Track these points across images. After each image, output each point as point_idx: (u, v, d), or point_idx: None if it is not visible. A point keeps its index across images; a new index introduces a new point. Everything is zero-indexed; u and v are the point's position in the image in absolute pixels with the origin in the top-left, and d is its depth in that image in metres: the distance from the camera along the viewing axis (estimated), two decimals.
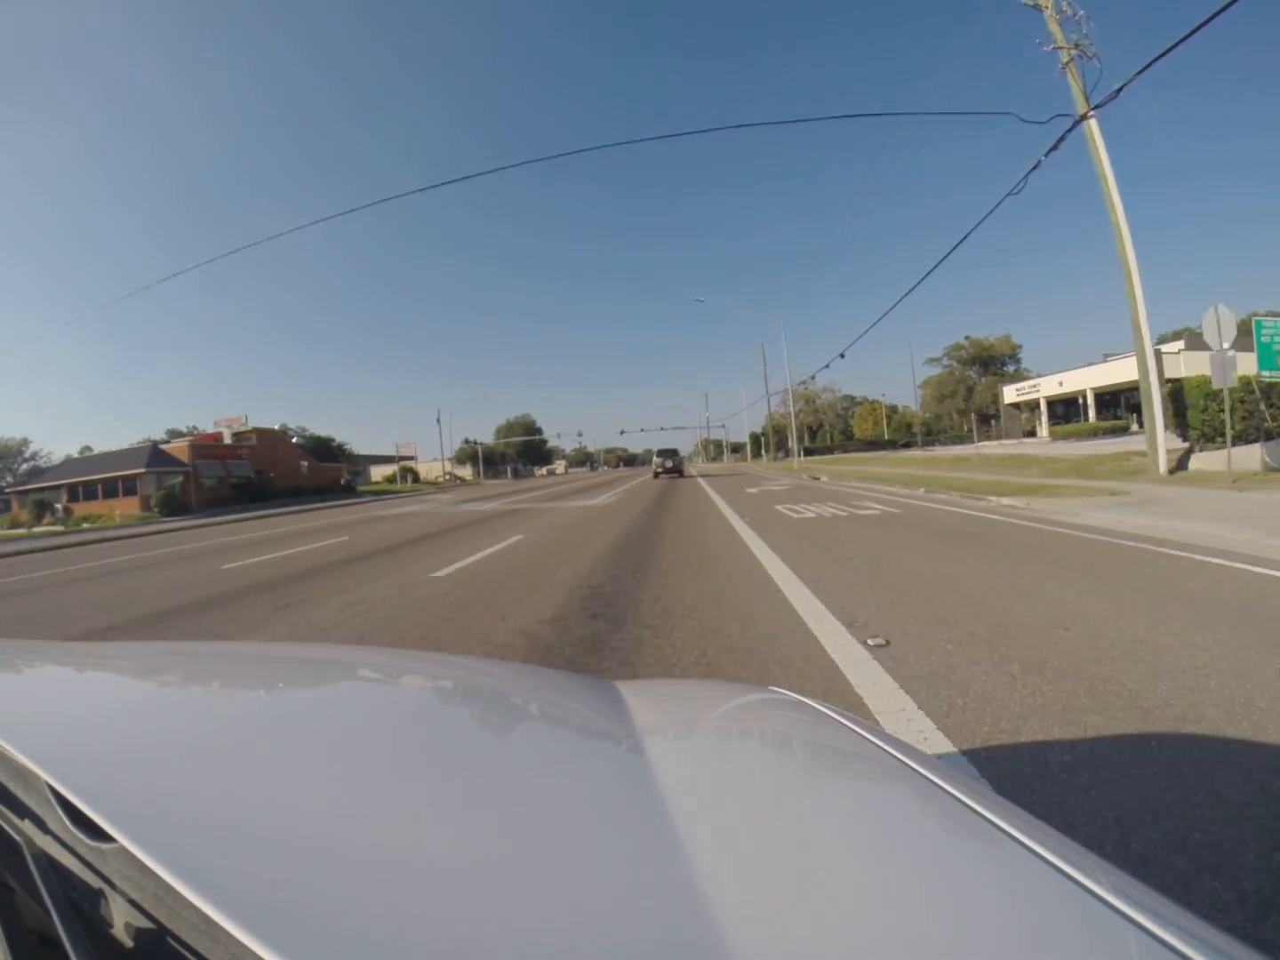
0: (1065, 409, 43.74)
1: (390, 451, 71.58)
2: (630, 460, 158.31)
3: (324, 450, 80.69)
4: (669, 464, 31.06)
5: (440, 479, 69.13)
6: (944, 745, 2.01)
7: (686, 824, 0.42)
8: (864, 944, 0.32)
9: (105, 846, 0.40)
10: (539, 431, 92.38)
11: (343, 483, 53.41)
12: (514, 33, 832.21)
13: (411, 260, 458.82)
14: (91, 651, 1.13)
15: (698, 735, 0.73)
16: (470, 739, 0.66)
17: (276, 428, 48.20)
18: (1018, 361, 68.48)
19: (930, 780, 0.52)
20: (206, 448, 41.96)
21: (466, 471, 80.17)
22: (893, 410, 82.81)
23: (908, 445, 62.69)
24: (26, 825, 0.46)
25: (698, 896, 0.34)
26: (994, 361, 66.74)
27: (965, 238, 17.21)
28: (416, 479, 63.96)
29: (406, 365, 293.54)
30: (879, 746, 0.61)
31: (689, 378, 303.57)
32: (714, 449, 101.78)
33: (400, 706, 0.77)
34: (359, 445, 70.85)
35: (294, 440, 53.03)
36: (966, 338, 66.31)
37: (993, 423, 65.64)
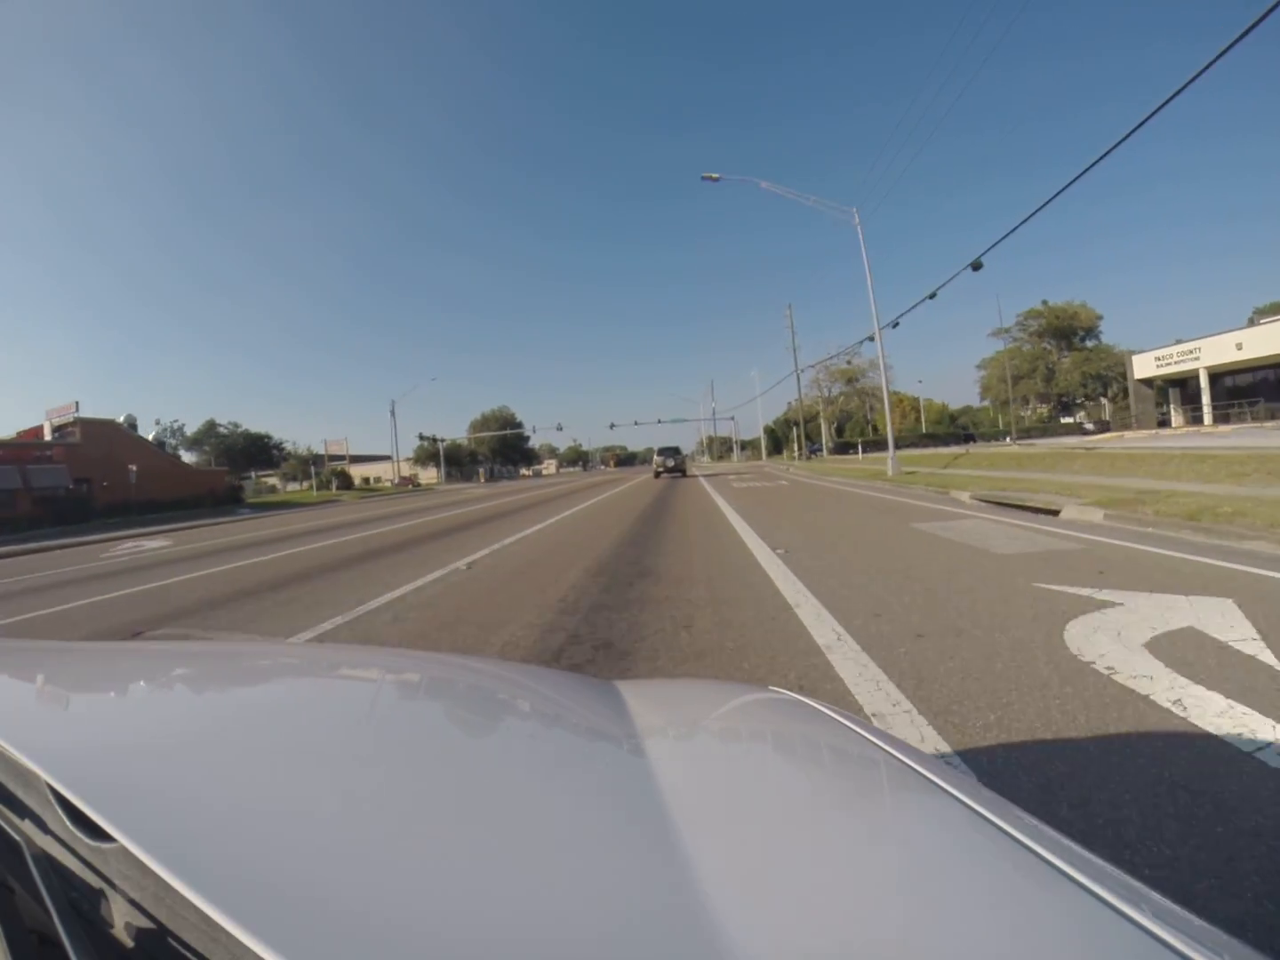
0: (1221, 388, 30.48)
1: (366, 451, 59.22)
2: (629, 459, 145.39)
3: (257, 449, 68.04)
4: (670, 463, 29.39)
5: (383, 483, 56.12)
6: None
7: (687, 825, 0.42)
8: (864, 943, 0.32)
9: (105, 846, 0.39)
10: (519, 425, 78.83)
11: (235, 489, 40.45)
12: (507, 28, 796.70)
13: (397, 255, 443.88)
14: (91, 651, 1.09)
15: (698, 736, 0.73)
16: (471, 739, 0.65)
17: (120, 419, 34.83)
18: (1097, 336, 55.16)
19: (930, 780, 0.52)
20: None
21: (432, 474, 67.35)
22: (914, 403, 70.95)
23: (970, 439, 49.39)
24: (26, 825, 0.46)
25: (699, 897, 0.34)
26: (1073, 334, 53.45)
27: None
28: (349, 484, 50.90)
29: (391, 362, 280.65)
30: (878, 746, 0.60)
31: (690, 369, 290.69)
32: (721, 446, 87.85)
33: (401, 706, 0.78)
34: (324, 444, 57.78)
35: (150, 437, 39.49)
36: (1044, 303, 52.88)
37: (1079, 408, 52.68)
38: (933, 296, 18.32)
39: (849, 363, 48.87)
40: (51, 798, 0.44)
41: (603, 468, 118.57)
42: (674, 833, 0.41)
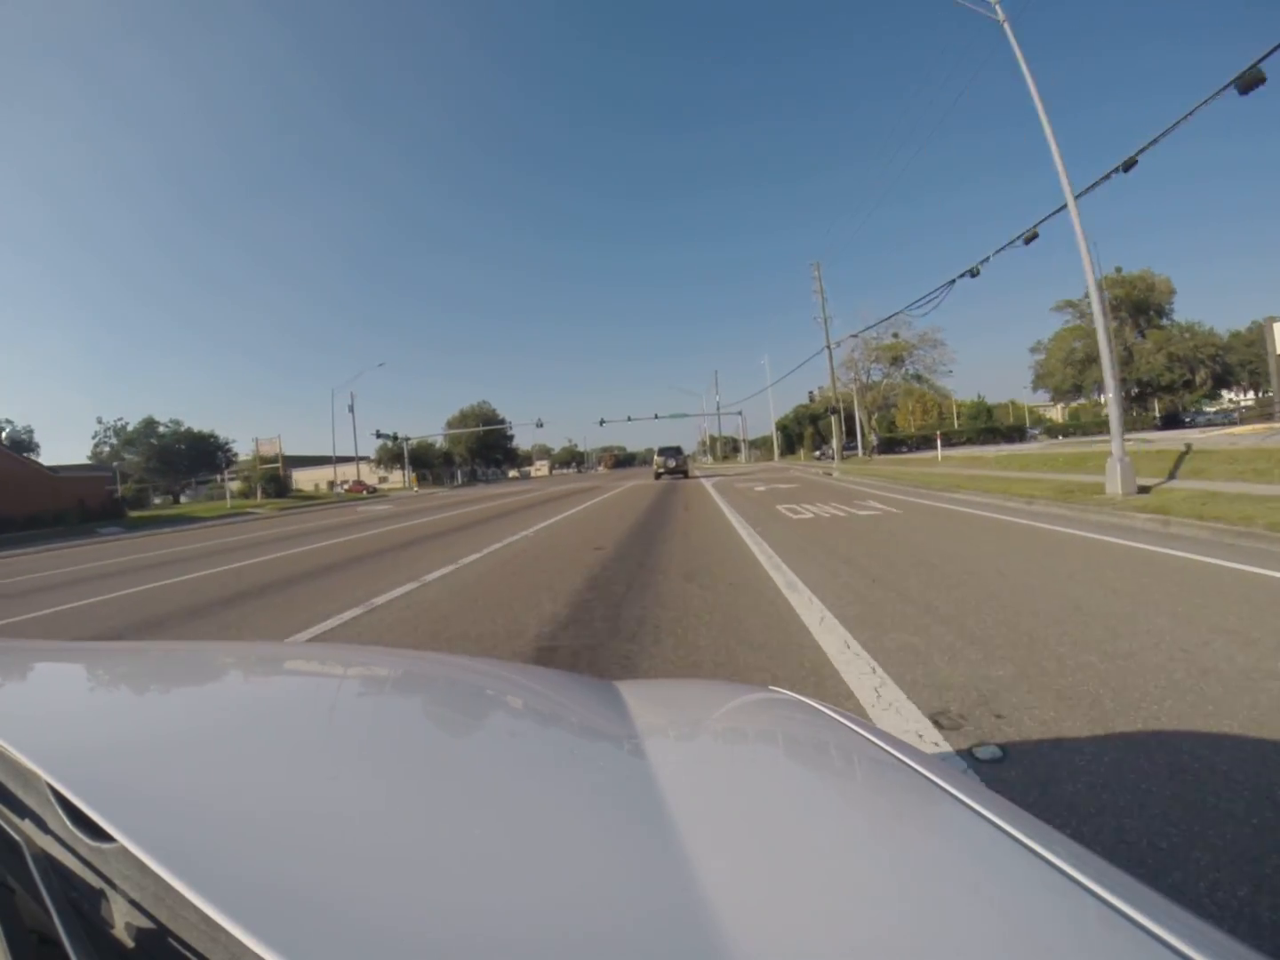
0: None
1: (333, 451, 50.85)
2: (627, 460, 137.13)
3: (199, 451, 59.76)
4: (672, 463, 27.16)
5: (325, 490, 47.96)
6: None
7: (687, 825, 0.42)
8: (864, 943, 0.32)
9: (105, 846, 0.39)
10: (501, 422, 70.11)
11: (118, 501, 32.34)
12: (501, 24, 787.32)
13: (394, 255, 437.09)
14: (91, 651, 1.09)
15: (698, 736, 0.73)
16: (471, 739, 0.65)
17: None
18: (1169, 315, 46.86)
19: (930, 780, 0.52)
20: None
21: (399, 478, 59.18)
22: (931, 398, 63.36)
23: (1021, 435, 41.13)
24: (26, 825, 0.46)
25: (699, 897, 0.34)
26: (1148, 310, 45.12)
27: None
28: (282, 490, 42.70)
29: (388, 361, 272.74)
30: (879, 746, 0.60)
31: (692, 368, 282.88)
32: (725, 445, 78.97)
33: (400, 706, 0.77)
34: (299, 444, 49.36)
35: (2, 435, 31.22)
36: (1118, 270, 44.48)
37: (1153, 398, 44.26)
38: (1128, 168, 10.11)
39: (895, 336, 39.73)
40: (51, 798, 0.44)
41: (599, 468, 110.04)
42: (674, 833, 0.40)
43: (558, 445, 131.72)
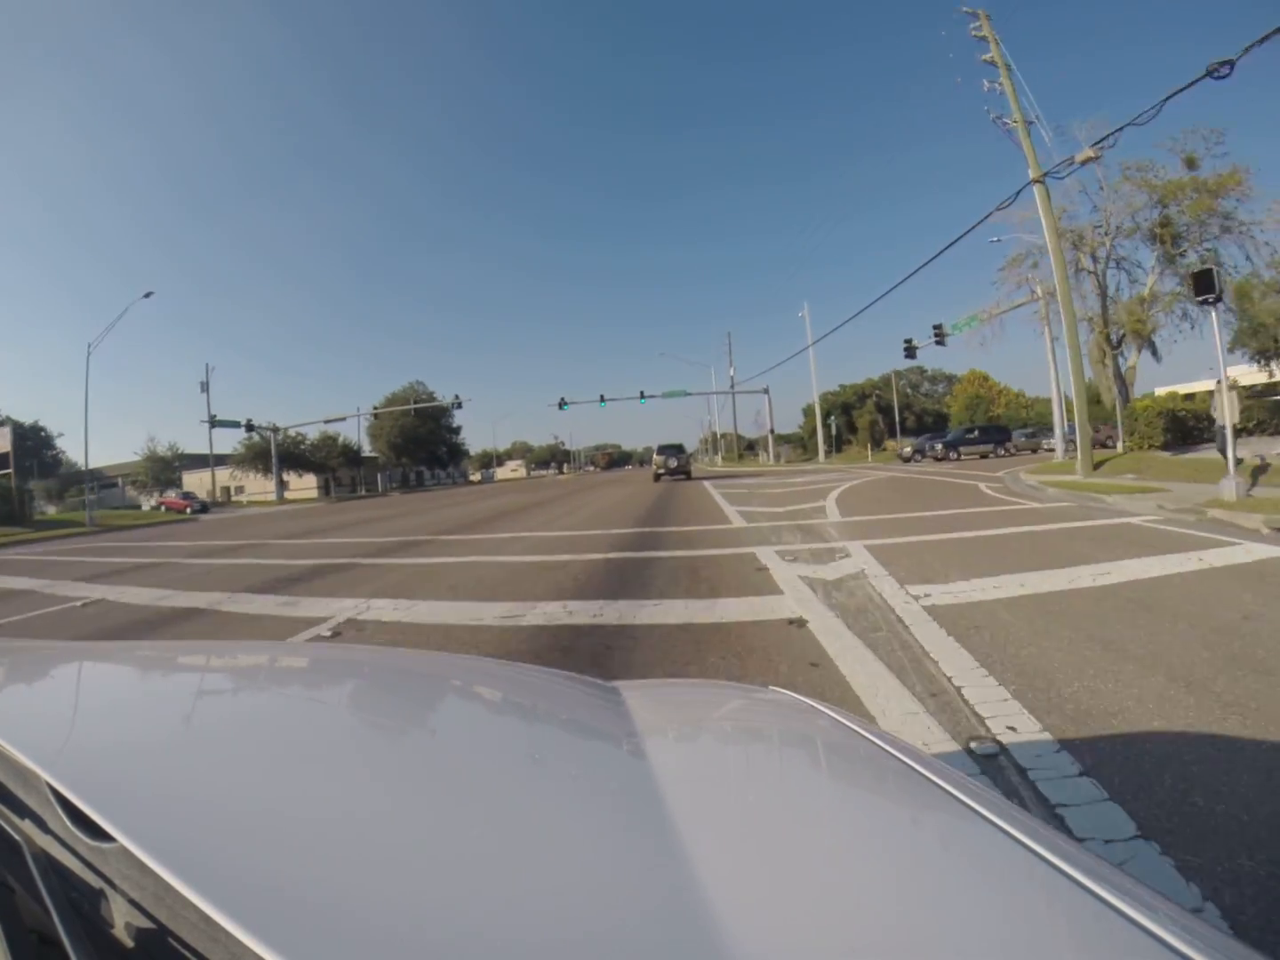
0: None
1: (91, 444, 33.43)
2: (623, 459, 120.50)
3: (20, 449, 42.41)
4: (673, 463, 23.30)
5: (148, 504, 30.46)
6: None
7: (689, 826, 0.41)
8: (865, 942, 0.32)
9: (105, 846, 0.39)
10: (433, 402, 49.63)
11: None
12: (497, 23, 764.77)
13: (394, 255, 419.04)
14: (91, 651, 1.10)
15: (699, 737, 0.74)
16: (472, 739, 0.65)
17: None
18: None
19: (930, 780, 0.52)
20: None
21: (306, 483, 41.80)
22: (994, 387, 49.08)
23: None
24: (26, 825, 0.45)
25: (699, 897, 0.34)
26: None
27: None
28: (15, 514, 24.96)
29: (381, 361, 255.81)
30: (879, 746, 0.60)
31: (694, 364, 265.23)
32: (741, 444, 60.34)
33: (401, 707, 0.77)
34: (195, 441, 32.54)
35: None
36: None
37: None
38: None
39: (1190, 166, 15.62)
40: (51, 798, 0.43)
41: (592, 468, 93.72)
42: (675, 834, 0.40)
43: (539, 441, 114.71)
